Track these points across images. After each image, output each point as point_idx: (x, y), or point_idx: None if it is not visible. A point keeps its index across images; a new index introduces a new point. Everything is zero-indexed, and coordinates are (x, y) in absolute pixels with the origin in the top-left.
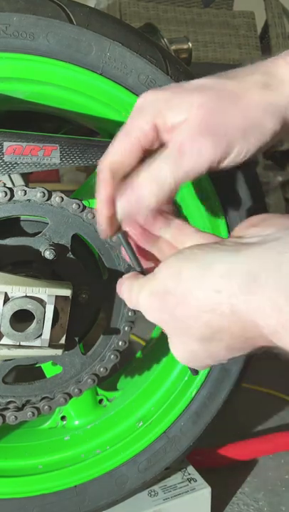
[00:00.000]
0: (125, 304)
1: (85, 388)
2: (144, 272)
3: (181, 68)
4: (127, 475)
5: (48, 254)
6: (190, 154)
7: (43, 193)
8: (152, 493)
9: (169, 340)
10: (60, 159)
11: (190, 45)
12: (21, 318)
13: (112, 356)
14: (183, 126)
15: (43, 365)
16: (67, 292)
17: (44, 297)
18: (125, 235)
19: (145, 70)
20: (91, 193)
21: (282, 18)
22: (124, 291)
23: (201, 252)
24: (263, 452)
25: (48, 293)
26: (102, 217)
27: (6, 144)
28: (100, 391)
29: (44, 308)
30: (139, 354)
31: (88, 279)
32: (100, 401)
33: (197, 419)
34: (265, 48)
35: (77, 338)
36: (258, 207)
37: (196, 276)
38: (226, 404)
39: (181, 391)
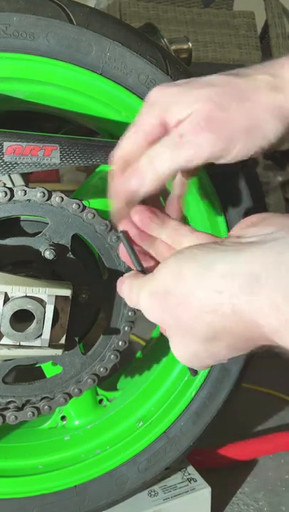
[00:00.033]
0: (125, 304)
1: (85, 388)
2: (145, 271)
3: (181, 68)
4: (127, 475)
5: (48, 254)
6: (189, 144)
7: (43, 193)
8: (152, 493)
9: (169, 340)
10: (60, 159)
11: (190, 45)
12: (21, 318)
13: (112, 356)
14: (187, 118)
15: (43, 365)
16: (67, 292)
17: (44, 297)
18: (126, 233)
19: (145, 70)
20: (91, 193)
21: (282, 18)
22: (124, 290)
23: (201, 253)
24: (263, 452)
25: (48, 293)
26: (116, 207)
27: (6, 144)
28: (100, 391)
29: (44, 308)
30: (139, 354)
31: (88, 279)
32: (100, 401)
33: (197, 419)
34: (265, 47)
35: (77, 338)
36: (258, 207)
37: (197, 276)
38: (226, 404)
39: (181, 391)
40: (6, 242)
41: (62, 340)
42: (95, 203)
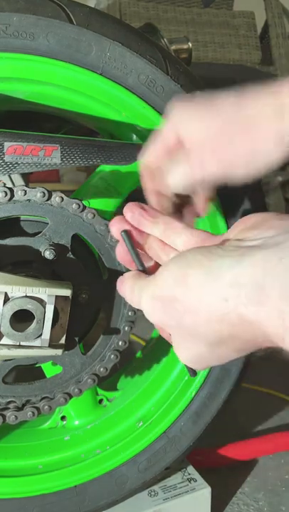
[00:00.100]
0: (125, 304)
1: (85, 388)
2: (146, 271)
3: (181, 68)
4: (127, 475)
5: (48, 254)
6: (196, 168)
7: (43, 193)
8: (152, 493)
9: (173, 342)
10: (61, 159)
11: (190, 45)
12: (21, 318)
13: (112, 356)
14: (198, 142)
15: (43, 365)
16: (67, 292)
17: (44, 297)
18: (128, 233)
19: (145, 70)
20: (91, 193)
21: (282, 18)
22: (126, 290)
23: (204, 259)
24: (263, 452)
25: (48, 293)
26: (153, 204)
27: (6, 144)
28: (100, 391)
29: (44, 308)
30: (139, 354)
31: (88, 279)
32: (100, 401)
33: (197, 419)
34: (265, 47)
35: (77, 338)
36: (258, 206)
37: (204, 284)
38: (226, 404)
39: (181, 391)
40: (6, 242)
41: (63, 340)
42: (95, 203)
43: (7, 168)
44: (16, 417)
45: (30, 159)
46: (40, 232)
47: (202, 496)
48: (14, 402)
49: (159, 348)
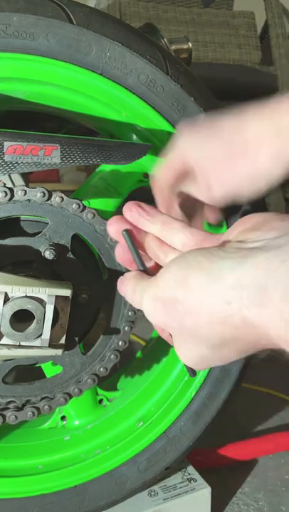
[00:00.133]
0: (125, 304)
1: (85, 388)
2: (148, 271)
3: (181, 68)
4: (127, 475)
5: (48, 254)
6: (204, 192)
7: (43, 193)
8: (152, 493)
9: (174, 343)
10: (61, 159)
11: (190, 45)
12: (21, 318)
13: (112, 356)
14: (203, 168)
15: (43, 365)
16: (67, 292)
17: (44, 297)
18: (129, 232)
19: (145, 70)
20: (91, 193)
21: (282, 18)
22: (127, 291)
23: (205, 260)
24: (263, 452)
25: (48, 293)
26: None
27: (6, 144)
28: (100, 391)
29: (44, 308)
30: (139, 354)
31: (88, 279)
32: (100, 401)
33: (197, 419)
34: (265, 47)
35: (77, 338)
36: (258, 206)
37: (206, 286)
38: (226, 404)
39: (181, 391)
40: (6, 242)
41: (63, 340)
42: (95, 203)
43: (7, 168)
44: (16, 417)
45: (30, 159)
46: (40, 232)
47: (202, 496)
48: (14, 402)
49: (159, 348)
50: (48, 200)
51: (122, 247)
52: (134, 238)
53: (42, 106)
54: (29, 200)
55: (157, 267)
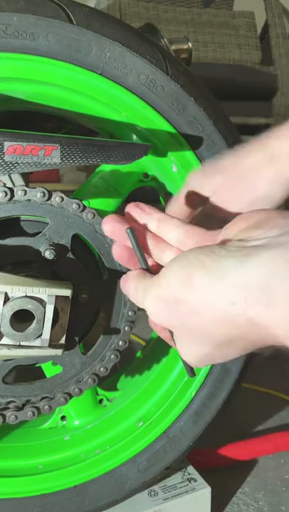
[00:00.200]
0: (125, 304)
1: (85, 388)
2: (150, 270)
3: (181, 68)
4: (127, 475)
5: (48, 254)
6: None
7: (43, 193)
8: (152, 493)
9: (176, 342)
10: (61, 159)
11: (190, 45)
12: (21, 318)
13: (112, 356)
14: (210, 200)
15: (43, 365)
16: (67, 292)
17: (44, 297)
18: (133, 230)
19: (145, 70)
20: (91, 193)
21: (282, 18)
22: (129, 290)
23: (208, 259)
24: (263, 452)
25: (48, 293)
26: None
27: (6, 144)
28: (100, 391)
29: (44, 308)
30: (139, 354)
31: (88, 279)
32: (100, 401)
33: (197, 419)
34: (265, 47)
35: (77, 338)
36: None
37: (209, 286)
38: (226, 404)
39: (181, 391)
40: (6, 242)
41: (63, 340)
42: (95, 203)
43: (7, 168)
44: (16, 416)
45: (30, 159)
46: (40, 232)
47: (202, 495)
48: (14, 402)
49: (159, 348)
50: (48, 200)
51: (119, 246)
52: (138, 237)
53: (42, 106)
54: (29, 200)
55: (160, 266)
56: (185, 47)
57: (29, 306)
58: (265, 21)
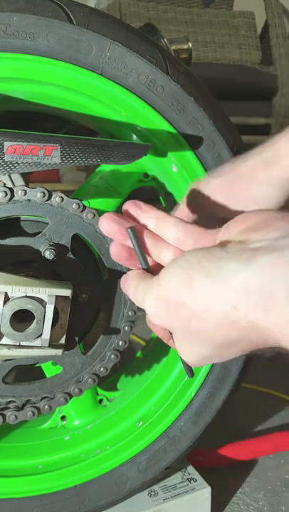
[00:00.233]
0: (125, 304)
1: (85, 388)
2: (150, 270)
3: (181, 68)
4: (127, 475)
5: (48, 254)
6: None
7: (43, 193)
8: (152, 493)
9: (176, 342)
10: (61, 159)
11: (190, 45)
12: (21, 318)
13: (113, 356)
14: (208, 200)
15: (43, 365)
16: (67, 292)
17: (44, 297)
18: (134, 230)
19: (145, 70)
20: (91, 193)
21: (282, 18)
22: (130, 290)
23: (209, 262)
24: (263, 452)
25: (48, 293)
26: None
27: (6, 144)
28: (100, 391)
29: (44, 308)
30: (139, 354)
31: (88, 279)
32: (100, 401)
33: (197, 419)
34: (265, 47)
35: (77, 338)
36: None
37: (210, 289)
38: (226, 404)
39: (181, 391)
40: (6, 242)
41: (63, 340)
42: (95, 203)
43: (7, 168)
44: (16, 416)
45: (30, 159)
46: (40, 232)
47: (202, 496)
48: (14, 401)
49: (159, 348)
50: (48, 200)
51: (117, 245)
52: (139, 236)
53: (42, 106)
54: (29, 200)
55: (159, 265)
56: (185, 47)
57: (29, 306)
58: (265, 21)
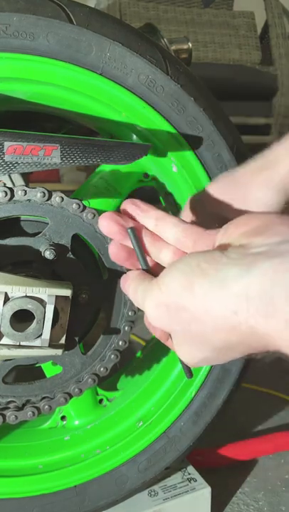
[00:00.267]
0: (125, 304)
1: (85, 388)
2: (150, 271)
3: (181, 68)
4: (127, 475)
5: (48, 254)
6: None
7: (43, 193)
8: (152, 493)
9: (174, 344)
10: (61, 159)
11: (190, 45)
12: (21, 318)
13: (113, 356)
14: (207, 201)
15: (43, 365)
16: (67, 292)
17: (44, 297)
18: (134, 230)
19: (145, 70)
20: (91, 193)
21: (282, 18)
22: (130, 290)
23: (209, 267)
24: (263, 452)
25: (48, 293)
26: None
27: (6, 144)
28: (100, 391)
29: (44, 308)
30: (139, 354)
31: (88, 279)
32: (100, 401)
33: (197, 419)
34: (265, 47)
35: (77, 338)
36: None
37: (211, 294)
38: (226, 404)
39: (181, 391)
40: (6, 242)
41: (63, 340)
42: (95, 203)
43: (7, 168)
44: (16, 416)
45: (30, 159)
46: (40, 232)
47: (202, 496)
48: (14, 401)
49: (159, 348)
50: (48, 200)
51: (116, 245)
52: (139, 237)
53: (42, 106)
54: (29, 200)
55: (158, 267)
56: (185, 47)
57: (29, 306)
58: (265, 21)
